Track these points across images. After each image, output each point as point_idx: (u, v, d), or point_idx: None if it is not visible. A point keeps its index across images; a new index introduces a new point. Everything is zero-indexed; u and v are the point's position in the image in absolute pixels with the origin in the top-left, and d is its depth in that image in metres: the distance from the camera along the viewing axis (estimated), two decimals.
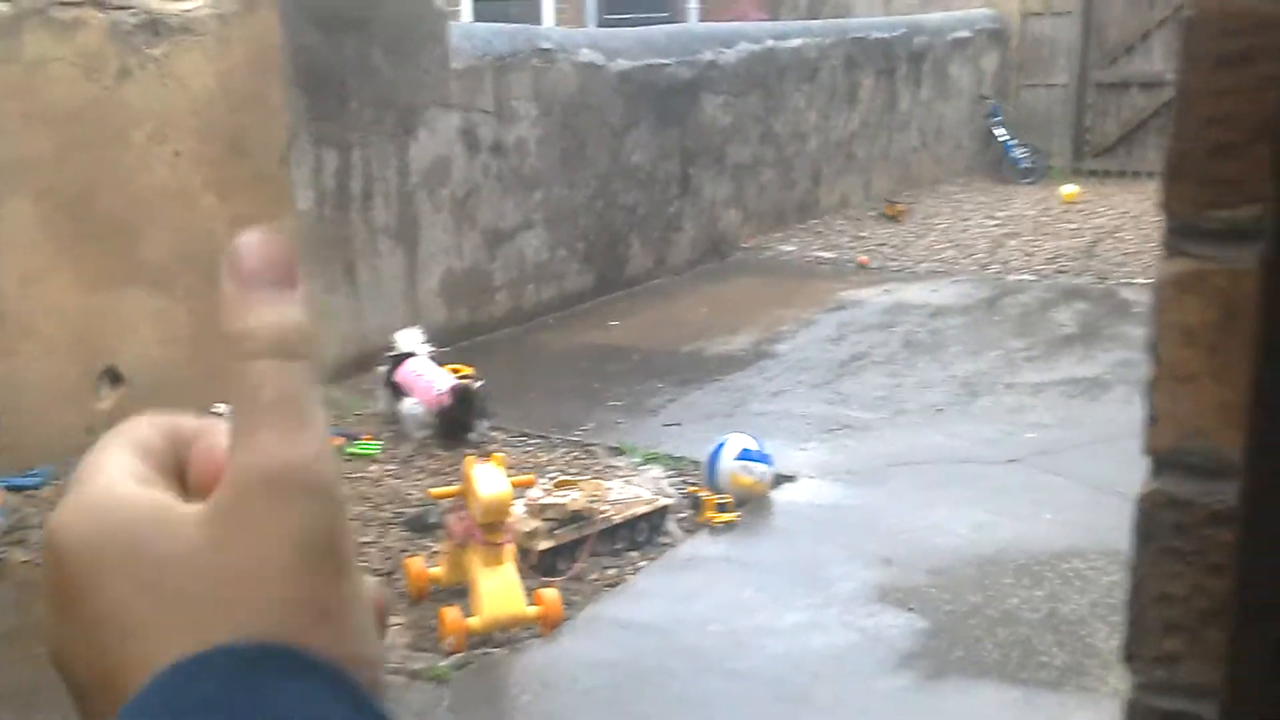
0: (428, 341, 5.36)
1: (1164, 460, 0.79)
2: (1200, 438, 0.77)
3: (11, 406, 4.60)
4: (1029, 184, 12.05)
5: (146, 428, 0.42)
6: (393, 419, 5.23)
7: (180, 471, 0.41)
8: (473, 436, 4.97)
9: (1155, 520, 0.79)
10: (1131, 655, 0.80)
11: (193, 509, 0.38)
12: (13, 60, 4.55)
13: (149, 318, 5.11)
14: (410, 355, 5.22)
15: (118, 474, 0.39)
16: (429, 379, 5.07)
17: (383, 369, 5.29)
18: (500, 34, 6.98)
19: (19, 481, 4.51)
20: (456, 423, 4.89)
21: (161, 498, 0.39)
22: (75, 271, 4.82)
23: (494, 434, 5.17)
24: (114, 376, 5.00)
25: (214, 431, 0.42)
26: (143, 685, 0.35)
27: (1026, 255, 9.07)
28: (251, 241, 0.40)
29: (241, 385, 0.38)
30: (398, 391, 5.17)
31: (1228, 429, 0.77)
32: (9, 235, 4.57)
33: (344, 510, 0.38)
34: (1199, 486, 0.77)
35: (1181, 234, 0.79)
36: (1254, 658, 0.74)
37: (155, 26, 5.02)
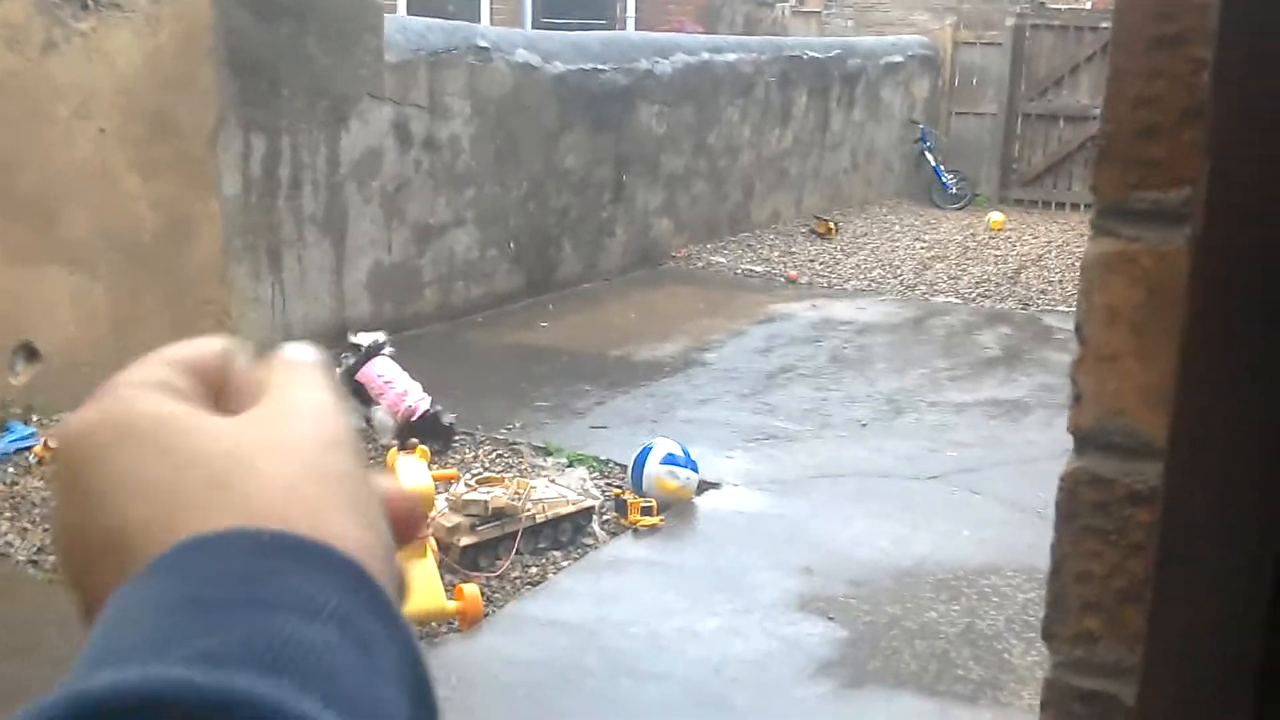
0: (388, 342, 5.20)
1: (1086, 438, 0.79)
2: (1122, 417, 0.78)
3: None
4: (957, 209, 12.23)
5: (172, 358, 0.42)
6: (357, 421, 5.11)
7: (212, 395, 0.42)
8: (440, 445, 4.88)
9: (1077, 498, 0.79)
10: (1051, 634, 0.80)
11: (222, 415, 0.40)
12: None
13: (67, 296, 5.00)
14: (372, 354, 5.06)
15: (150, 378, 0.40)
16: (399, 389, 4.93)
17: (342, 368, 5.07)
18: (436, 29, 6.93)
19: None
20: (420, 438, 4.83)
21: (189, 406, 0.40)
22: None
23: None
24: (30, 353, 4.88)
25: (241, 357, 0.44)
26: (161, 554, 0.35)
27: (952, 278, 9.20)
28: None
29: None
30: (360, 392, 5.01)
31: (1149, 409, 0.77)
32: None
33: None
34: (1120, 466, 0.78)
35: (1109, 215, 0.79)
36: (1170, 639, 0.75)
37: (84, 0, 4.92)
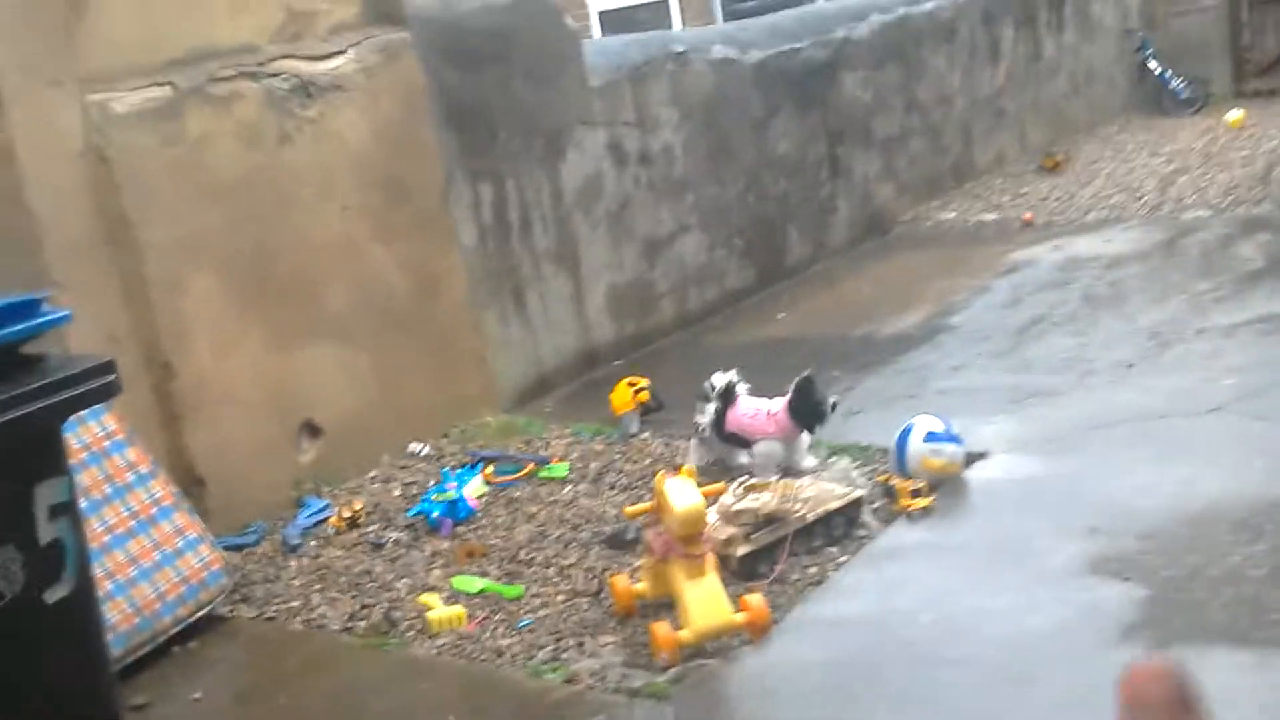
0: (740, 380, 4.98)
1: None
2: None
3: (220, 470, 4.83)
4: (1191, 114, 11.54)
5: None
6: (731, 466, 4.87)
7: None
8: (826, 410, 4.76)
9: None
10: None
11: None
12: (178, 141, 4.76)
13: (337, 368, 5.31)
14: (729, 401, 4.88)
15: None
16: (763, 410, 4.81)
17: (704, 419, 4.91)
18: (633, 44, 7.03)
19: (237, 540, 4.73)
20: (810, 413, 4.74)
21: None
22: (263, 332, 5.04)
23: (676, 442, 5.21)
24: (312, 429, 5.21)
25: None
26: None
27: (1199, 190, 8.69)
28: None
29: None
30: (734, 439, 4.87)
31: None
32: (197, 309, 4.80)
33: None
34: None
35: None
36: None
37: (307, 89, 5.21)
